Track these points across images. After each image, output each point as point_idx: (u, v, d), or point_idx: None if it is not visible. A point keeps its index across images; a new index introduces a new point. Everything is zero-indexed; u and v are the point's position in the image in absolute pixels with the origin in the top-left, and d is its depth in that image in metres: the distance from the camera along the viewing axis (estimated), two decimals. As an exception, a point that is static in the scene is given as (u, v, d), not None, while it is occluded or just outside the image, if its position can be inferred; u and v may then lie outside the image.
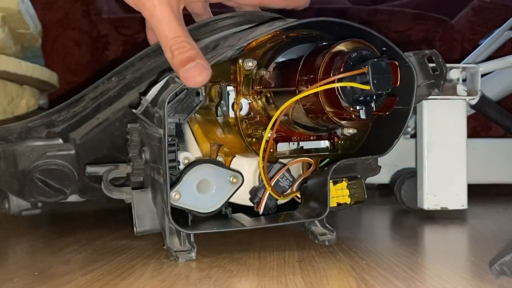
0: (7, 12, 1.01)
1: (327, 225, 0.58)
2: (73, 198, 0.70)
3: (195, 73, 0.48)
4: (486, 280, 0.42)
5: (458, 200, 0.76)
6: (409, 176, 0.83)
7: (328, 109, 0.48)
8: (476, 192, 0.84)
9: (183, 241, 0.52)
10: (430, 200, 0.75)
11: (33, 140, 0.67)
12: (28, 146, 0.66)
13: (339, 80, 0.45)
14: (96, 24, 1.31)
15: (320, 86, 0.46)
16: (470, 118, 0.84)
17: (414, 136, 0.83)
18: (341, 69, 0.45)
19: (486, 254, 0.50)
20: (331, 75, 0.46)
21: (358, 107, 0.46)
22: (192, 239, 0.52)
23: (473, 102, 0.80)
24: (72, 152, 0.67)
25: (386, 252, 0.54)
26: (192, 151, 0.56)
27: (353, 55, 0.46)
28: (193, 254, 0.51)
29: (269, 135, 0.53)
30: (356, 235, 0.65)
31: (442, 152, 0.76)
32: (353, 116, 0.47)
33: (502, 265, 0.41)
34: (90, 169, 0.63)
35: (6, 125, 0.68)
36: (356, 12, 1.39)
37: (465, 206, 0.76)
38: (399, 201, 0.84)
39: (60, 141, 0.68)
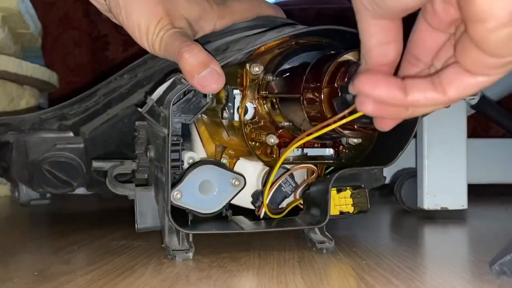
0: (7, 12, 1.01)
1: (326, 233, 0.57)
2: (80, 190, 0.72)
3: (211, 81, 0.47)
4: (486, 280, 0.42)
5: (458, 200, 0.76)
6: (409, 176, 0.83)
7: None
8: (476, 192, 0.84)
9: (182, 241, 0.52)
10: (430, 200, 0.75)
11: (45, 131, 0.69)
12: (39, 138, 0.68)
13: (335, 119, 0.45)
14: (96, 24, 1.31)
15: (321, 128, 0.45)
16: (470, 118, 0.84)
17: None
18: (345, 80, 0.45)
19: (486, 254, 0.50)
20: (335, 85, 0.46)
21: (362, 120, 0.45)
22: (190, 239, 0.52)
23: (473, 102, 0.80)
24: (81, 145, 0.68)
25: (386, 252, 0.54)
26: (198, 151, 0.56)
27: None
28: (191, 254, 0.51)
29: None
30: (356, 235, 0.65)
31: (442, 152, 0.76)
32: (356, 127, 0.46)
33: (502, 265, 0.41)
34: (95, 164, 0.63)
35: (19, 115, 0.69)
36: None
37: (465, 206, 0.76)
38: (399, 201, 0.84)
39: (71, 134, 0.69)
